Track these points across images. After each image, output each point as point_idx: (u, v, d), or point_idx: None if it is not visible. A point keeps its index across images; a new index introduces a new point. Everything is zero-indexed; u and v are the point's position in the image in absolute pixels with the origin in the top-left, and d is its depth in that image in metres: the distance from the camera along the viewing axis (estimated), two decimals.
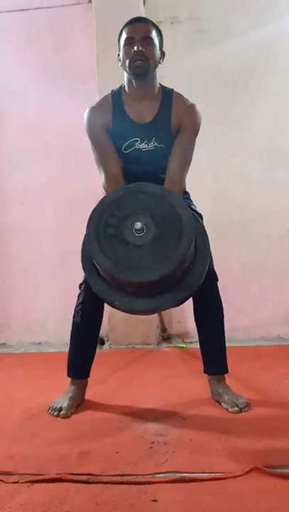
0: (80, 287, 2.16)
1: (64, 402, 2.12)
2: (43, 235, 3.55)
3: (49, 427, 1.97)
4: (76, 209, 3.37)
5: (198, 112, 2.13)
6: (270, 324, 3.40)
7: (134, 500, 1.39)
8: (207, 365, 2.20)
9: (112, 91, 2.18)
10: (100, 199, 1.84)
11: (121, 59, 2.10)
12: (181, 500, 1.39)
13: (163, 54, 2.15)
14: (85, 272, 1.90)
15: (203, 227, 1.94)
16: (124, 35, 2.07)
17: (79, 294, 2.16)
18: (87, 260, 1.86)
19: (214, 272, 2.12)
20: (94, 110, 2.15)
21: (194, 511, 1.34)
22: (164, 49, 2.14)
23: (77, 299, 2.17)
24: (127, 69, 2.07)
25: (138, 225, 1.71)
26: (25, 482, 1.52)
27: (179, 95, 2.16)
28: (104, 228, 1.75)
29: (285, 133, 3.37)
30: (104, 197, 1.86)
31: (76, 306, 2.17)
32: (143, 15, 3.28)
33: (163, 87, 2.17)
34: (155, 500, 1.39)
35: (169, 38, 3.37)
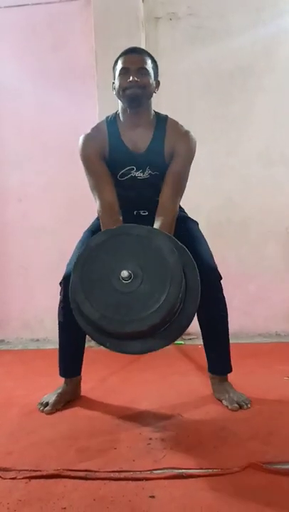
0: (60, 285, 2.13)
1: (51, 398, 2.12)
2: (41, 234, 3.55)
3: (47, 423, 1.98)
4: (74, 208, 3.38)
5: (192, 139, 2.13)
6: (268, 321, 3.40)
7: (132, 497, 1.40)
8: (211, 365, 2.20)
9: (107, 117, 2.20)
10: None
11: (116, 88, 2.11)
12: (178, 497, 1.39)
13: (158, 83, 2.17)
14: (74, 314, 1.83)
15: (193, 262, 1.84)
16: (119, 65, 2.09)
17: (60, 292, 2.13)
18: (76, 306, 1.79)
19: (217, 271, 2.10)
20: (89, 137, 2.15)
21: (192, 507, 1.34)
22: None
23: (59, 297, 2.14)
24: (122, 98, 2.09)
25: (125, 273, 1.67)
26: (23, 478, 1.53)
27: (173, 122, 2.17)
28: (89, 275, 1.71)
29: (284, 131, 3.37)
30: (88, 241, 1.82)
31: (58, 305, 2.15)
32: (142, 11, 3.28)
33: (157, 114, 2.19)
34: (153, 497, 1.40)
35: (168, 34, 3.37)
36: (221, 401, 2.11)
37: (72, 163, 3.38)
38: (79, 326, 2.12)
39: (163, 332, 1.78)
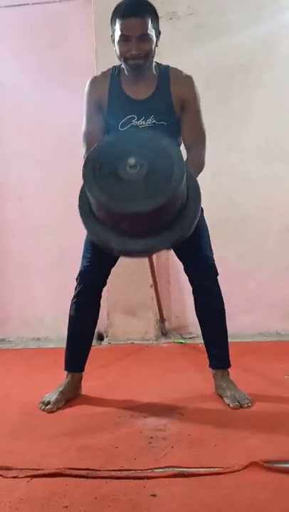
0: (76, 280, 2.18)
1: (52, 396, 2.13)
2: (41, 232, 3.55)
3: (48, 421, 1.98)
4: (73, 206, 3.32)
5: (194, 82, 2.16)
6: (268, 320, 3.40)
7: (133, 495, 1.40)
8: (211, 360, 2.21)
9: (114, 67, 2.19)
10: None
11: (116, 50, 2.07)
12: (179, 495, 1.40)
13: (159, 34, 2.11)
14: (81, 214, 1.93)
15: (193, 175, 1.97)
16: (118, 30, 2.01)
17: (75, 287, 2.18)
18: (83, 203, 1.91)
19: (214, 266, 2.13)
20: (92, 84, 2.18)
21: (193, 506, 1.35)
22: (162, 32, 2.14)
23: (74, 292, 2.19)
24: (123, 63, 2.08)
25: (132, 160, 1.75)
26: (25, 477, 1.53)
27: (175, 70, 2.17)
28: (99, 167, 1.81)
29: (284, 128, 3.36)
30: (99, 142, 1.95)
31: (72, 299, 2.19)
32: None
33: (158, 65, 2.17)
34: (154, 495, 1.40)
35: (168, 33, 3.36)
36: (223, 398, 2.11)
37: (72, 162, 3.37)
38: (90, 322, 2.16)
39: (165, 231, 1.85)
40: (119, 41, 2.03)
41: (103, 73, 2.20)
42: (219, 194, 3.37)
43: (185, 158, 2.03)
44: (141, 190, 1.76)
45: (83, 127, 2.18)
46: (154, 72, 2.14)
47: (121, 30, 2.00)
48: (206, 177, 3.32)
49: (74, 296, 2.18)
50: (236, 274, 3.31)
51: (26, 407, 2.13)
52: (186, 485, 1.46)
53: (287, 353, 2.94)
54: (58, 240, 3.49)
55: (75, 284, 2.19)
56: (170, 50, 3.19)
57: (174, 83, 2.12)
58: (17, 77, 3.51)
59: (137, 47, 2.00)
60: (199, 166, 2.10)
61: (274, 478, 1.46)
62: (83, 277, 2.15)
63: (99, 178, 1.79)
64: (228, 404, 2.05)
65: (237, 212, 3.41)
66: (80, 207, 1.93)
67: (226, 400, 2.08)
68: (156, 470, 1.54)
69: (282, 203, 3.39)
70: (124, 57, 2.04)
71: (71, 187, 3.37)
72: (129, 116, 2.11)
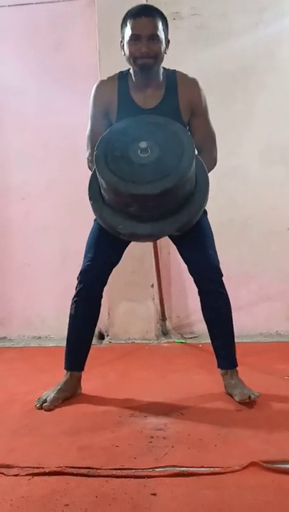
0: (77, 279, 2.18)
1: (50, 395, 2.14)
2: (43, 232, 3.55)
3: (49, 420, 1.99)
4: (75, 207, 3.37)
5: (200, 84, 2.19)
6: (269, 321, 3.41)
7: (134, 494, 1.41)
8: (220, 360, 2.21)
9: (120, 72, 2.19)
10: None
11: (125, 52, 2.09)
12: (180, 494, 1.41)
13: (168, 42, 2.14)
14: (90, 199, 1.98)
15: (202, 162, 2.01)
16: (128, 29, 2.04)
17: (76, 286, 2.19)
18: (93, 188, 1.96)
19: (219, 269, 2.14)
20: (100, 88, 2.18)
21: (193, 505, 1.35)
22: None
23: (74, 291, 2.19)
24: (132, 65, 2.08)
25: (143, 144, 1.81)
26: (26, 475, 1.54)
27: (182, 74, 2.19)
28: (111, 151, 1.85)
29: (286, 131, 3.37)
30: (112, 127, 1.99)
31: (72, 298, 2.20)
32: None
33: (166, 71, 2.18)
34: (154, 494, 1.41)
35: (171, 34, 3.33)
36: (232, 396, 2.12)
37: (74, 162, 3.41)
38: (89, 321, 2.19)
39: (172, 216, 1.90)
40: (129, 41, 2.04)
41: (110, 78, 2.20)
42: (222, 197, 3.37)
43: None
44: (151, 173, 1.80)
45: (88, 129, 2.19)
46: (162, 79, 2.15)
47: (132, 29, 2.03)
48: (209, 180, 3.35)
49: (74, 295, 2.19)
50: (238, 276, 3.32)
51: (28, 406, 2.14)
52: (187, 484, 1.46)
53: (288, 353, 2.95)
54: (60, 240, 3.50)
55: (75, 282, 2.20)
56: (172, 51, 3.17)
57: (182, 89, 2.14)
58: (20, 78, 3.51)
59: (147, 46, 2.02)
60: (211, 165, 2.17)
61: (274, 479, 1.47)
62: (84, 276, 2.16)
63: (110, 161, 1.83)
64: (238, 400, 2.06)
65: (239, 214, 3.41)
66: (90, 191, 1.97)
67: (236, 398, 2.09)
68: (156, 469, 1.55)
69: (284, 205, 3.39)
70: (133, 56, 2.05)
71: (74, 187, 3.42)
72: None
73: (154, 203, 1.83)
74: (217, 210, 3.33)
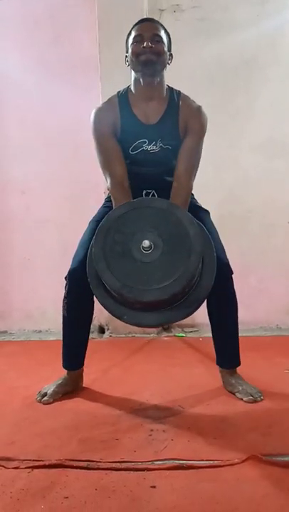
0: (65, 278, 2.12)
1: (50, 388, 2.14)
2: (44, 226, 3.55)
3: (49, 414, 2.00)
4: (76, 201, 3.38)
5: (204, 114, 2.14)
6: (269, 314, 3.41)
7: (133, 487, 1.42)
8: (220, 359, 2.20)
9: (118, 92, 2.17)
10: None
11: (129, 58, 2.09)
12: (179, 487, 1.41)
13: (171, 56, 2.15)
14: (91, 287, 1.88)
15: (209, 237, 1.92)
16: (132, 34, 2.07)
17: (64, 286, 2.13)
18: (93, 275, 1.84)
19: (229, 266, 2.09)
20: (101, 112, 2.13)
21: (192, 497, 1.36)
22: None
23: (64, 292, 2.14)
24: (135, 65, 2.06)
25: (146, 243, 1.70)
26: (26, 468, 1.55)
27: (186, 97, 2.17)
28: (111, 246, 1.74)
29: (287, 124, 3.36)
30: (110, 213, 1.84)
31: (63, 300, 2.14)
32: (146, 3, 3.26)
33: (170, 89, 2.17)
34: (154, 487, 1.42)
35: (171, 26, 3.31)
36: (234, 394, 2.11)
37: (75, 155, 3.41)
38: (83, 320, 2.14)
39: (180, 304, 1.80)
40: (133, 42, 2.06)
41: (108, 101, 2.17)
42: (222, 190, 3.37)
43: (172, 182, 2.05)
44: (157, 273, 1.69)
45: (100, 161, 2.12)
46: (165, 95, 2.14)
47: (135, 31, 2.06)
48: (209, 173, 3.35)
49: (64, 297, 2.12)
50: (238, 269, 3.26)
51: (28, 399, 2.15)
52: (186, 477, 1.47)
53: (288, 347, 2.95)
54: (60, 234, 3.49)
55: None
56: (173, 44, 3.18)
57: (183, 111, 2.12)
58: (20, 70, 3.50)
59: (150, 42, 2.03)
60: (185, 192, 2.09)
61: (273, 472, 1.48)
62: (72, 277, 2.08)
63: (110, 258, 1.72)
64: (242, 399, 2.06)
65: (239, 207, 3.41)
66: (90, 274, 1.86)
67: (239, 395, 2.08)
68: (156, 462, 1.55)
69: (285, 198, 3.39)
70: (136, 54, 2.04)
71: (74, 181, 3.42)
72: (140, 141, 2.11)
73: (161, 304, 1.74)
74: (217, 203, 3.34)
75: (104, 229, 1.77)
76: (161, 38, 2.06)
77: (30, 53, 3.50)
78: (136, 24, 2.10)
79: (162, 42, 2.06)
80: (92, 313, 2.18)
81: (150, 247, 1.70)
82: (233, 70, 3.37)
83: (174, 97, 2.14)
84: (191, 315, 1.90)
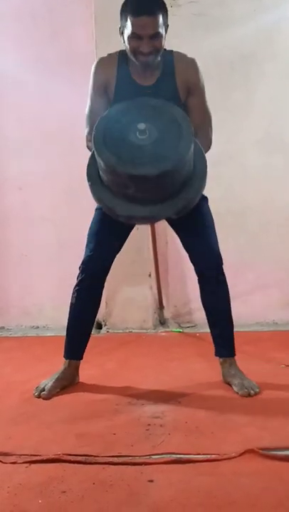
0: (79, 268, 2.19)
1: (48, 383, 2.15)
2: (41, 222, 3.55)
3: (47, 409, 2.00)
4: (73, 197, 3.37)
5: (198, 65, 2.17)
6: (266, 310, 3.42)
7: (131, 481, 1.42)
8: (218, 348, 2.22)
9: (121, 51, 2.15)
10: None
11: (125, 44, 2.04)
12: (176, 481, 1.41)
13: (167, 26, 2.09)
14: (88, 180, 1.97)
15: (201, 148, 2.01)
16: (129, 26, 1.98)
17: (78, 275, 2.19)
18: (92, 170, 1.96)
19: (220, 255, 2.16)
20: (100, 64, 2.16)
21: (189, 492, 1.36)
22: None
23: (76, 280, 2.20)
24: (132, 58, 2.05)
25: (142, 125, 1.80)
26: (23, 462, 1.54)
27: (179, 54, 2.17)
28: (110, 132, 1.85)
29: (285, 119, 3.36)
30: (111, 108, 1.99)
31: (74, 287, 2.20)
32: None
33: (163, 51, 2.12)
34: (151, 481, 1.42)
35: (168, 21, 3.33)
36: (231, 386, 2.12)
37: (72, 151, 3.39)
38: (90, 310, 2.19)
39: (170, 199, 1.91)
40: (130, 37, 2.01)
41: (110, 55, 2.18)
42: (219, 186, 3.35)
43: None
44: (149, 154, 1.80)
45: (87, 107, 2.18)
46: (159, 58, 2.11)
47: (132, 28, 1.98)
48: (207, 164, 3.34)
49: (76, 285, 2.19)
50: (235, 265, 3.30)
51: (25, 394, 2.15)
52: (183, 471, 1.47)
53: (284, 342, 2.96)
54: (57, 230, 3.49)
55: (76, 274, 2.20)
56: (170, 39, 3.17)
57: (179, 68, 2.13)
58: (16, 66, 3.48)
59: (148, 45, 1.99)
60: (207, 146, 2.14)
61: (270, 465, 1.48)
62: (86, 266, 2.16)
63: (109, 141, 1.83)
64: (237, 392, 2.07)
65: (237, 204, 3.40)
66: (88, 173, 1.97)
67: (235, 388, 2.09)
68: (153, 456, 1.55)
69: (283, 195, 3.39)
70: (134, 52, 2.02)
71: (71, 177, 3.41)
72: None
73: (152, 185, 1.83)
74: (214, 199, 3.31)
75: (105, 119, 1.90)
76: (159, 33, 2.00)
77: (27, 49, 3.49)
78: (132, 13, 1.97)
79: (161, 37, 2.01)
80: (99, 305, 2.25)
81: (145, 131, 1.81)
82: (230, 65, 3.36)
83: (168, 58, 2.14)
84: (180, 213, 1.98)
